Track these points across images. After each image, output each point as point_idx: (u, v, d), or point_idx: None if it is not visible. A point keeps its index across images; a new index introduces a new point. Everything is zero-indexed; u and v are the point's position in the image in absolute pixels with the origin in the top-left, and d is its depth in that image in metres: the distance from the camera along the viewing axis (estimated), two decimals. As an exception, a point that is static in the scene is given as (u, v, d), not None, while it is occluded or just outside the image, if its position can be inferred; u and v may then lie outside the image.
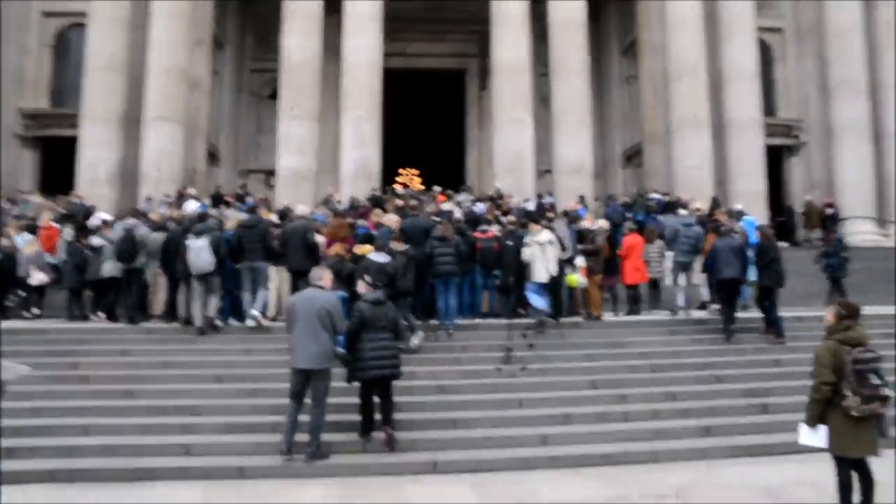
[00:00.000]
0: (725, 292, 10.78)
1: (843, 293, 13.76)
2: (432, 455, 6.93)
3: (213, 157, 24.11)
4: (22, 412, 7.63)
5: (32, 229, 14.51)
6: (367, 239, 10.76)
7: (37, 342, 9.86)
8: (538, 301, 10.35)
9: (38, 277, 12.66)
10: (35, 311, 12.71)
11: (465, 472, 6.67)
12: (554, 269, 10.40)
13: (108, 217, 13.77)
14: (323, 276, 7.30)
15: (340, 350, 7.39)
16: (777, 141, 24.40)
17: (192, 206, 14.68)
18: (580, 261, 11.45)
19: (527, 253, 10.62)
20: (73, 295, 12.36)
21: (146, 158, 19.01)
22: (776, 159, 24.38)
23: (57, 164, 21.84)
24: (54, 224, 14.97)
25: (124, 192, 19.64)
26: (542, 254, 10.31)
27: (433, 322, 10.45)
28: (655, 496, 5.91)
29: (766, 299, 10.82)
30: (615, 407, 8.14)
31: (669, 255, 14.14)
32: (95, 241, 12.11)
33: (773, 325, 10.64)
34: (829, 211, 21.40)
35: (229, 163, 25.84)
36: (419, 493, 6.07)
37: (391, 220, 11.21)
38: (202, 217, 11.03)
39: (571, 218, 13.29)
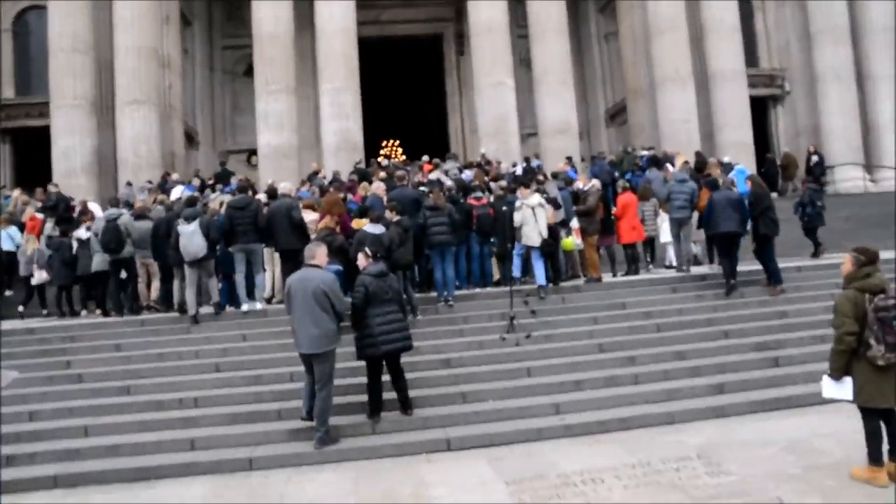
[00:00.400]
0: (725, 246, 10.58)
1: (817, 243, 13.66)
2: (445, 432, 6.76)
3: (190, 139, 23.58)
4: (19, 416, 7.40)
5: (19, 225, 14.12)
6: (363, 213, 10.47)
7: (28, 342, 9.56)
8: (517, 269, 10.19)
9: (41, 276, 12.31)
10: (44, 311, 12.37)
11: (480, 448, 6.50)
12: (545, 232, 10.18)
13: (96, 207, 13.38)
14: (316, 253, 6.96)
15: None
16: (761, 91, 24.23)
17: (178, 191, 14.39)
18: (575, 222, 11.30)
19: (517, 217, 10.33)
20: (62, 291, 12.04)
21: (122, 144, 18.51)
22: (761, 110, 24.24)
23: (30, 155, 21.24)
24: (38, 215, 14.60)
25: (102, 179, 19.17)
26: (532, 217, 10.09)
27: (431, 294, 10.29)
28: (677, 459, 5.77)
29: (763, 249, 10.64)
30: (624, 370, 8.00)
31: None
32: (82, 233, 11.73)
33: (772, 275, 10.52)
34: (815, 158, 21.33)
35: (207, 144, 25.30)
36: (436, 472, 5.90)
37: (379, 188, 10.94)
38: (191, 201, 10.70)
39: (564, 180, 13.07)
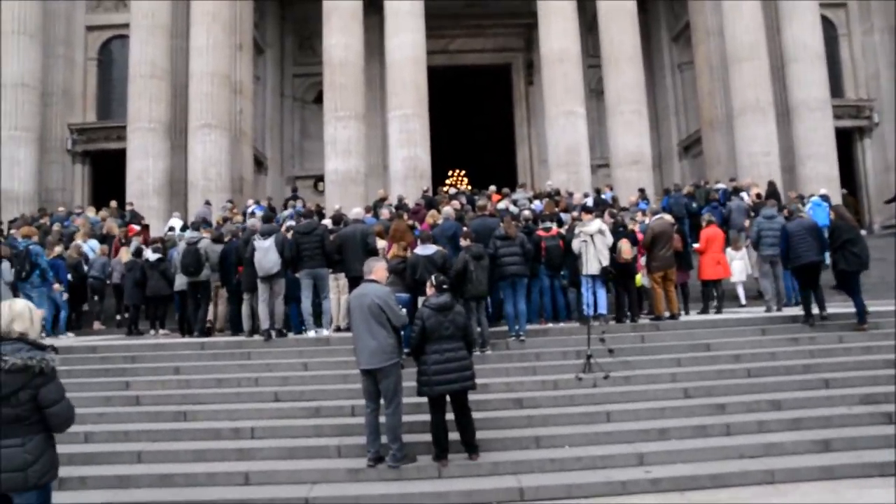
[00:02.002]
0: (806, 277, 9.92)
1: None
2: (517, 479, 6.16)
3: (259, 164, 23.87)
4: (74, 437, 7.11)
5: (99, 238, 14.66)
6: (428, 239, 10.13)
7: (89, 360, 9.45)
8: (588, 303, 9.57)
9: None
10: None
11: (556, 500, 5.90)
12: (605, 260, 9.60)
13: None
14: (374, 268, 6.71)
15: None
16: (846, 123, 23.03)
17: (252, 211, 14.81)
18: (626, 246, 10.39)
19: (575, 245, 9.90)
20: (134, 310, 12.13)
21: (193, 167, 18.82)
22: (847, 142, 23.01)
23: (106, 177, 21.83)
24: (136, 226, 15.42)
25: (174, 201, 19.47)
26: (591, 244, 9.52)
27: (501, 328, 9.78)
28: (785, 528, 5.05)
29: (844, 286, 9.76)
30: (714, 418, 7.25)
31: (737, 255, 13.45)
32: (151, 255, 11.93)
33: (858, 313, 9.61)
34: (907, 193, 20.01)
35: (276, 170, 25.60)
36: (509, 526, 5.33)
37: (449, 213, 10.60)
38: (268, 218, 10.94)
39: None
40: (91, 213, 16.86)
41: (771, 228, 11.14)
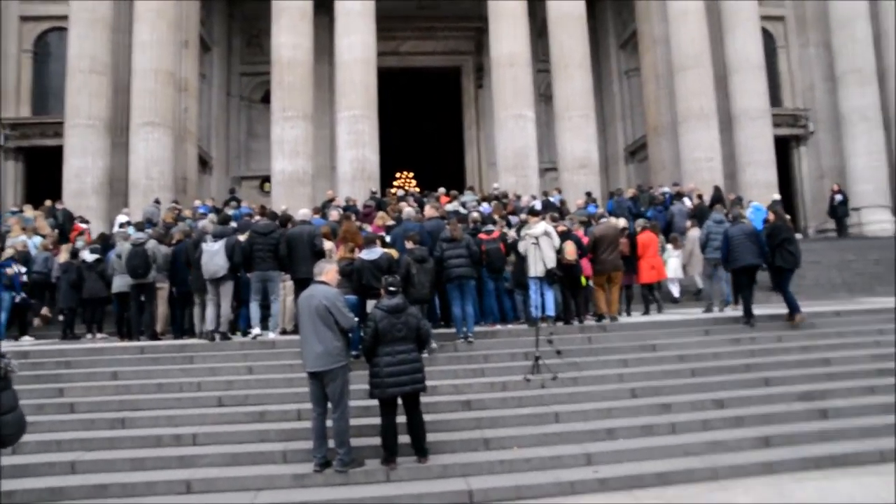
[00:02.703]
0: (746, 278, 10.39)
1: None
2: (467, 482, 6.11)
3: (203, 163, 23.32)
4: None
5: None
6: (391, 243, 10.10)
7: (20, 367, 8.98)
8: (535, 305, 9.63)
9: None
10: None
11: (506, 501, 5.87)
12: (550, 262, 9.70)
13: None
14: (325, 269, 6.61)
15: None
16: (784, 131, 23.83)
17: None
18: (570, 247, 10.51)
19: (521, 247, 10.02)
20: (69, 313, 11.69)
21: (135, 166, 18.23)
22: (784, 150, 23.79)
23: (42, 174, 20.99)
24: (82, 225, 14.90)
25: (113, 201, 18.82)
26: (536, 247, 9.61)
27: (445, 331, 9.74)
28: (729, 524, 5.13)
29: (779, 281, 10.26)
30: (660, 418, 7.35)
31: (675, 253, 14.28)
32: (88, 256, 11.51)
33: (790, 306, 10.12)
34: (838, 198, 20.78)
35: (221, 170, 25.04)
36: (458, 529, 5.27)
37: (411, 213, 10.53)
38: (225, 220, 10.94)
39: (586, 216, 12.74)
40: (29, 212, 16.18)
41: (718, 232, 11.45)
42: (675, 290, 14.44)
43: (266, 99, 22.20)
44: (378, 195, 16.90)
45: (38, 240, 13.70)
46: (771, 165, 20.65)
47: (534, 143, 19.36)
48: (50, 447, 6.87)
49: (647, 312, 12.31)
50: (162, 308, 11.27)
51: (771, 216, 10.89)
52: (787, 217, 11.29)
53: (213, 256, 9.65)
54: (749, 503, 5.59)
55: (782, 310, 10.41)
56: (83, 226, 15.26)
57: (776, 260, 10.11)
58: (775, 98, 23.43)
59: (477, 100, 26.75)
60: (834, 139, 23.21)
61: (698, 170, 19.90)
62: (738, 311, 10.87)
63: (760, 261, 10.25)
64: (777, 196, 18.82)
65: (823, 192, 22.88)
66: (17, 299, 11.81)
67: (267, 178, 21.17)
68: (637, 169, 25.93)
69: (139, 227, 11.72)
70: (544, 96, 24.68)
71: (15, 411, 3.60)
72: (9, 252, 12.15)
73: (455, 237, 9.49)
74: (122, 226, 14.92)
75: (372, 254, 8.54)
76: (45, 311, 12.67)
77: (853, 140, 22.21)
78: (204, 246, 9.79)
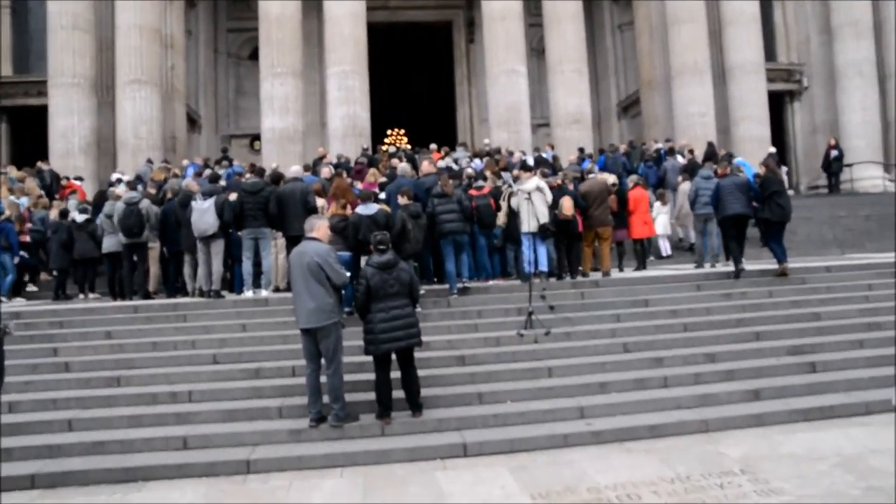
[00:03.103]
0: (733, 229, 10.48)
1: None
2: (461, 435, 6.19)
3: (192, 122, 22.96)
4: (-4, 407, 6.82)
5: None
6: (368, 198, 10.01)
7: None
8: (528, 261, 9.66)
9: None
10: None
11: (500, 454, 5.94)
12: (543, 217, 9.69)
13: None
14: (316, 225, 6.57)
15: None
16: (778, 86, 23.57)
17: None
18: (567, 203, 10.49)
19: (513, 203, 10.03)
20: (61, 274, 11.66)
21: (122, 125, 17.96)
22: (778, 105, 23.60)
23: (27, 135, 20.65)
24: (76, 182, 14.78)
25: (101, 161, 18.59)
26: (528, 202, 9.60)
27: (440, 287, 9.77)
28: (719, 473, 5.21)
29: (769, 234, 10.47)
30: (652, 371, 7.43)
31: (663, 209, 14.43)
32: (77, 216, 11.41)
33: (777, 257, 10.31)
34: (834, 153, 20.67)
35: (210, 128, 24.69)
36: (453, 482, 5.33)
37: (406, 170, 10.45)
38: (213, 178, 10.83)
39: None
40: (13, 172, 15.93)
41: (706, 188, 11.44)
42: (665, 247, 14.59)
43: (254, 55, 21.78)
44: (370, 152, 16.75)
45: (25, 200, 13.54)
46: (765, 120, 20.53)
47: (526, 98, 19.16)
48: (46, 406, 6.90)
49: (642, 267, 12.43)
50: (154, 268, 11.27)
51: (762, 169, 10.95)
52: (784, 169, 11.38)
53: (203, 215, 9.61)
54: (738, 454, 5.67)
55: (773, 265, 10.48)
56: (77, 183, 15.06)
57: (765, 212, 10.25)
58: (770, 52, 23.12)
59: (468, 55, 26.32)
60: (828, 94, 23.00)
61: (692, 125, 19.76)
62: (729, 267, 10.92)
63: (748, 211, 10.34)
64: (772, 149, 18.76)
65: (816, 148, 22.78)
66: (16, 260, 11.75)
67: (257, 137, 20.89)
68: (630, 124, 25.74)
69: (131, 185, 11.57)
70: (536, 51, 24.29)
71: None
72: (7, 213, 12.04)
73: (446, 193, 9.49)
74: (112, 185, 14.77)
75: (369, 209, 8.50)
76: (43, 276, 12.62)
77: (847, 95, 22.02)
78: (193, 204, 9.77)
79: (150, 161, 16.47)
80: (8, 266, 11.68)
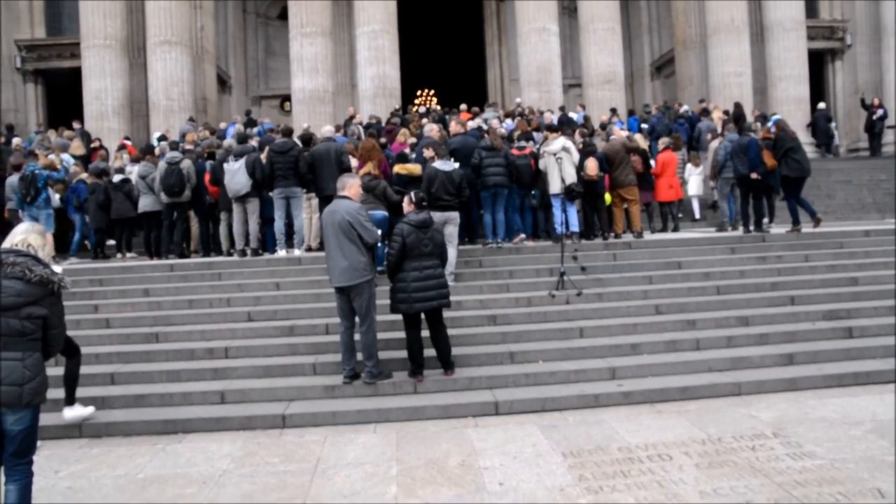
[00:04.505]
0: (742, 189, 10.99)
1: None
2: (492, 394, 6.26)
3: (222, 83, 23.04)
4: (43, 361, 7.03)
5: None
6: (402, 157, 9.98)
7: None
8: (559, 221, 9.66)
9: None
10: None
11: (531, 413, 6.00)
12: (569, 178, 9.65)
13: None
14: (347, 184, 6.54)
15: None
16: (819, 44, 22.88)
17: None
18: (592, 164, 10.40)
19: (541, 163, 10.06)
20: (99, 234, 11.89)
21: (154, 87, 18.09)
22: (818, 65, 22.93)
23: (62, 97, 20.91)
24: (127, 141, 15.06)
25: (134, 122, 18.80)
26: (555, 164, 9.59)
27: (471, 247, 9.83)
28: (751, 436, 5.21)
29: (789, 191, 10.65)
30: (685, 334, 7.40)
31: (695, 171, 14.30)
32: (115, 176, 11.59)
33: (792, 214, 10.62)
34: (880, 112, 19.92)
35: (240, 89, 24.78)
36: (484, 439, 5.40)
37: (433, 129, 10.43)
38: (243, 138, 10.93)
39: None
40: (52, 135, 16.18)
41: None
42: (697, 209, 14.50)
43: (283, 15, 21.64)
44: (401, 112, 16.66)
45: (67, 157, 13.73)
46: (804, 80, 19.99)
47: (557, 57, 18.85)
48: (90, 360, 7.04)
49: (663, 230, 12.59)
50: (194, 227, 11.44)
51: (775, 129, 11.11)
52: (833, 124, 11.49)
53: (235, 175, 9.74)
54: (770, 417, 5.65)
55: (807, 226, 10.42)
56: (127, 142, 15.25)
57: (782, 169, 10.43)
58: (811, 8, 22.41)
59: (499, 13, 25.91)
60: (872, 52, 22.25)
61: (726, 85, 19.33)
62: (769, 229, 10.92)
63: (746, 171, 10.51)
64: (822, 105, 18.42)
65: (858, 109, 22.08)
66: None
67: (287, 98, 20.92)
68: (664, 84, 25.23)
69: (173, 145, 11.69)
70: (568, 9, 23.85)
71: (61, 326, 3.80)
72: (80, 175, 12.35)
73: (495, 146, 9.60)
74: (161, 139, 14.96)
75: (447, 165, 8.45)
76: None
77: (893, 54, 21.27)
78: (225, 166, 9.90)
79: (191, 119, 16.63)
80: (78, 225, 11.97)
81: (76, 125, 16.49)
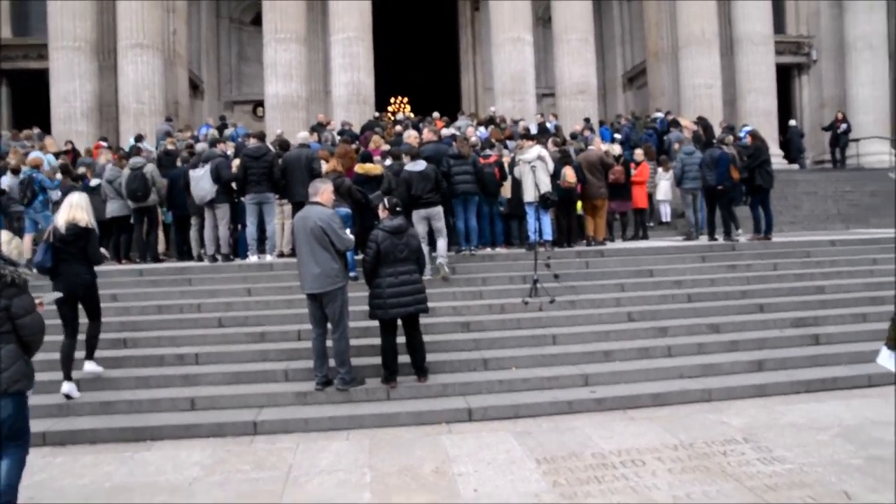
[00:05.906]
0: (710, 199, 11.51)
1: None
2: (466, 400, 6.25)
3: (195, 87, 22.77)
4: (4, 366, 6.84)
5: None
6: (365, 158, 10.05)
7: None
8: (532, 229, 9.72)
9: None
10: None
11: (505, 419, 6.01)
12: (543, 187, 9.73)
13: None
14: (320, 189, 6.47)
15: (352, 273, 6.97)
16: (786, 59, 23.32)
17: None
18: (569, 172, 10.56)
19: (516, 172, 10.14)
20: None
21: (124, 90, 17.78)
22: (786, 79, 23.37)
23: (29, 98, 20.47)
24: (103, 143, 14.77)
25: (104, 126, 18.46)
26: (530, 172, 9.64)
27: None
28: (722, 441, 5.27)
29: (757, 200, 11.07)
30: (656, 341, 7.48)
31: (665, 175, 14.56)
32: (92, 181, 11.43)
33: (756, 224, 11.07)
34: (843, 126, 20.37)
35: (212, 94, 24.51)
36: (458, 446, 5.38)
37: (411, 136, 10.46)
38: (213, 142, 10.95)
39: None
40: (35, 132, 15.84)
41: (693, 163, 11.66)
42: (665, 212, 14.85)
43: (257, 21, 21.48)
44: (373, 119, 16.66)
45: (51, 158, 13.41)
46: (772, 93, 20.38)
47: (531, 67, 18.97)
48: (54, 366, 6.90)
49: (635, 237, 13.13)
50: (161, 232, 11.31)
51: (749, 139, 11.51)
52: (765, 141, 11.99)
53: (199, 181, 9.69)
54: (741, 423, 5.72)
55: (777, 236, 10.62)
56: (104, 143, 14.96)
57: (756, 179, 10.83)
58: (779, 24, 22.83)
59: (473, 23, 26.02)
60: (837, 67, 22.78)
61: (698, 96, 19.61)
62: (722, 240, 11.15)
63: (715, 183, 10.99)
64: (793, 122, 18.86)
65: (823, 123, 22.56)
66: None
67: (260, 103, 20.76)
68: (636, 95, 25.53)
69: (134, 150, 11.54)
70: (542, 20, 24.05)
71: (31, 314, 3.80)
72: (82, 170, 12.12)
73: (462, 154, 9.62)
74: (138, 139, 14.76)
75: (417, 165, 8.56)
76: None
77: (856, 69, 21.83)
78: (191, 172, 9.85)
79: (168, 119, 16.41)
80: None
81: (36, 130, 16.07)
